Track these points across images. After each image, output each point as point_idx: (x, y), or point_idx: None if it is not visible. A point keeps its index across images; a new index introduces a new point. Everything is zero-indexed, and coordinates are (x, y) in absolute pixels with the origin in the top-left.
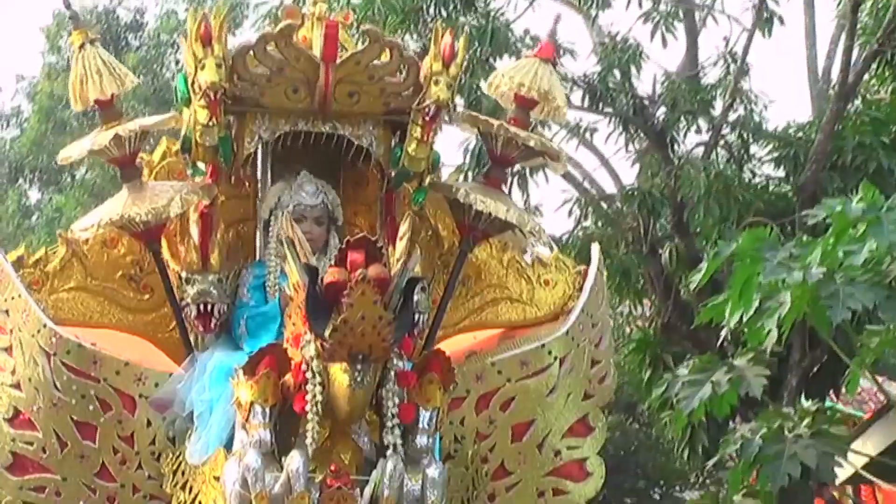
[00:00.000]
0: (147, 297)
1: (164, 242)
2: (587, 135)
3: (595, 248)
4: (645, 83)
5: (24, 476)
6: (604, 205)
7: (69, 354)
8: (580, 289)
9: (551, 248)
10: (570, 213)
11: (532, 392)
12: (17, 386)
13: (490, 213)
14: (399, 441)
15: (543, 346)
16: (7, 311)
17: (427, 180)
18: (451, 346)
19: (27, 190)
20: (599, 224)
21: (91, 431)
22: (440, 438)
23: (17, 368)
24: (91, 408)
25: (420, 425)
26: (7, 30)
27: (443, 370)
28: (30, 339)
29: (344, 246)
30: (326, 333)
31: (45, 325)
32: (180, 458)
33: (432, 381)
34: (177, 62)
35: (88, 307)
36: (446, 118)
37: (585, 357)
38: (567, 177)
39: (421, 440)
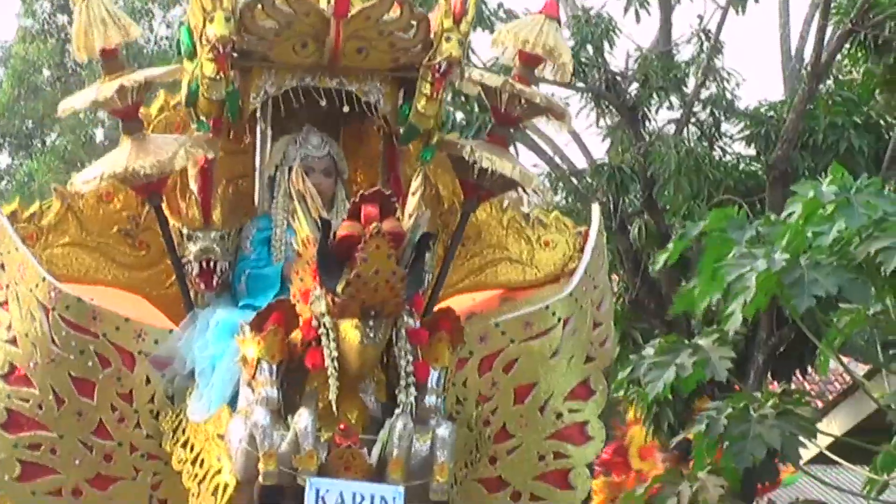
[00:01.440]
0: (143, 253)
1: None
2: None
3: (595, 209)
4: (618, 59)
5: (19, 433)
6: (574, 180)
7: (68, 309)
8: (580, 250)
9: (550, 209)
10: None
11: (535, 354)
12: (12, 341)
13: (494, 172)
14: (413, 400)
15: (547, 307)
16: (2, 265)
17: (435, 138)
18: (451, 306)
19: None
20: (569, 199)
21: (89, 388)
22: (444, 400)
23: (14, 323)
24: (90, 364)
25: (429, 384)
26: None
27: (452, 329)
28: (27, 294)
29: (357, 199)
30: (339, 288)
31: (43, 279)
32: (181, 415)
33: (442, 339)
34: (151, 30)
35: (83, 263)
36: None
37: (588, 319)
38: (537, 151)
39: (430, 399)
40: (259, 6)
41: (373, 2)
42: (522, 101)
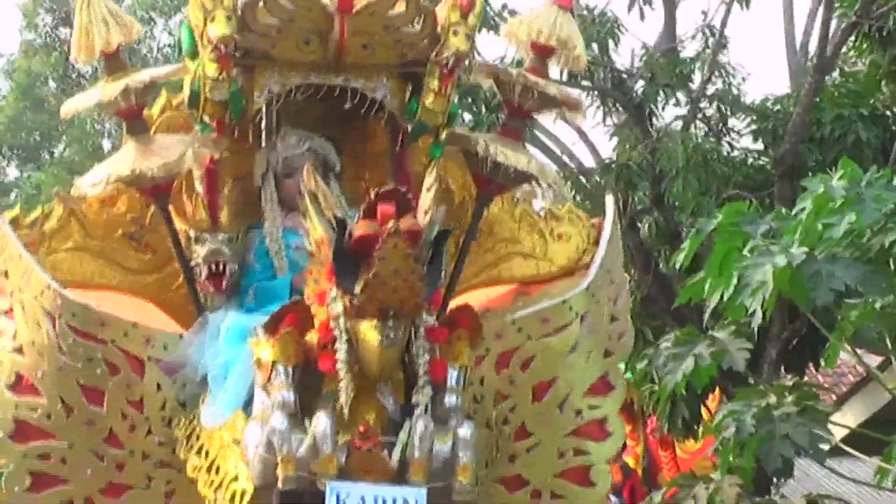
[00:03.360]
0: (148, 256)
1: None
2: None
3: (609, 200)
4: (623, 57)
5: (28, 444)
6: (582, 178)
7: (75, 316)
8: (595, 242)
9: (564, 202)
10: None
11: (553, 350)
12: (18, 350)
13: (508, 166)
14: (428, 401)
15: (565, 302)
16: (6, 273)
17: (444, 134)
18: (469, 303)
19: (5, 167)
20: (578, 198)
21: (98, 396)
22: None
23: (19, 332)
24: (98, 371)
25: (448, 384)
26: None
27: (471, 326)
28: (32, 302)
29: (373, 198)
30: (356, 289)
31: (48, 287)
32: (194, 422)
33: (461, 337)
34: (153, 38)
35: (88, 268)
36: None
37: (605, 313)
38: (545, 150)
39: (449, 399)
40: (261, 3)
41: None
42: (536, 93)
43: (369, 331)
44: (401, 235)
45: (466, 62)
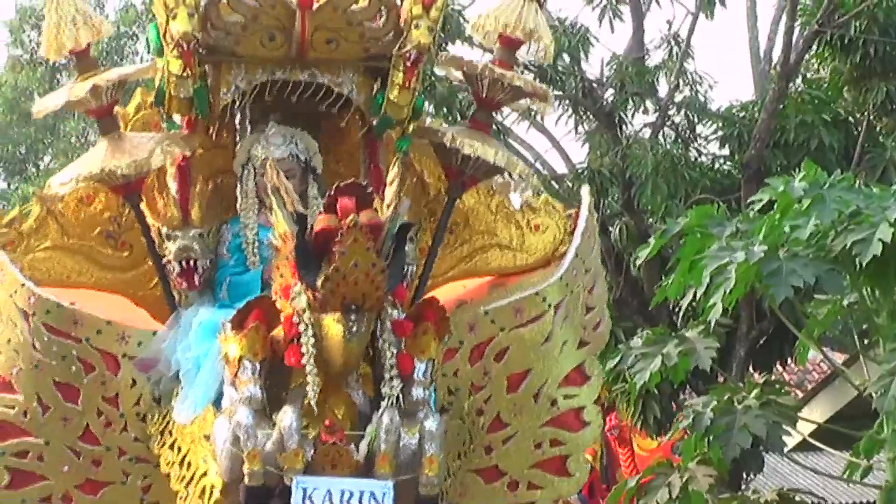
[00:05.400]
0: (126, 254)
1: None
2: (538, 118)
3: (585, 191)
4: (593, 66)
5: (6, 441)
6: (555, 184)
7: (48, 315)
8: (571, 232)
9: (539, 193)
10: None
11: (527, 341)
12: None
13: (478, 158)
14: (398, 393)
15: (538, 293)
16: None
17: (411, 127)
18: (441, 295)
19: None
20: None
21: (74, 393)
22: (435, 391)
23: None
24: (73, 369)
25: (415, 377)
26: None
27: (437, 319)
28: (6, 301)
29: (333, 192)
30: (318, 283)
31: (22, 285)
32: (167, 418)
33: (427, 330)
34: (136, 53)
35: (66, 266)
36: (428, 63)
37: (580, 303)
38: (520, 158)
39: (416, 392)
40: (224, 0)
41: None
42: (505, 84)
43: (333, 325)
44: (360, 229)
45: (429, 55)
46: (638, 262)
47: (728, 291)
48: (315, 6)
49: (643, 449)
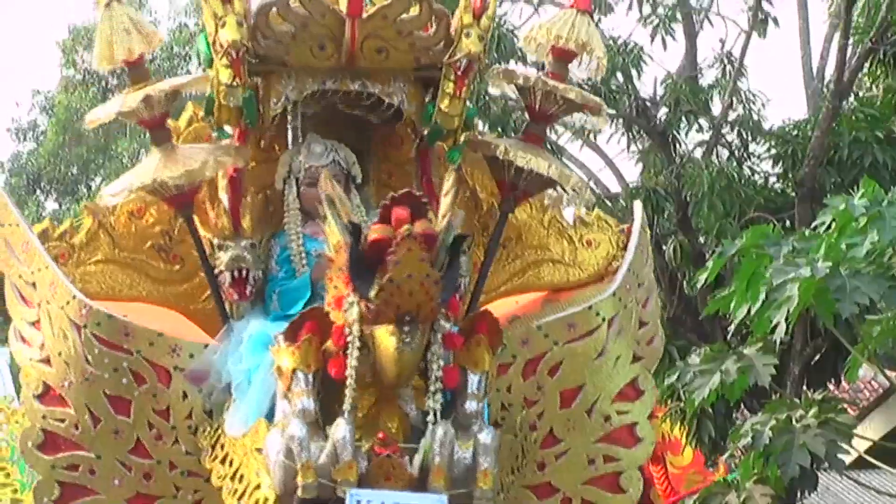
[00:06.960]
0: (177, 267)
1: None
2: (591, 136)
3: (638, 206)
4: (646, 85)
5: (57, 454)
6: (608, 203)
7: (100, 326)
8: (624, 248)
9: (592, 207)
10: None
11: (580, 356)
12: (46, 361)
13: (531, 171)
14: (439, 407)
15: (591, 307)
16: (34, 284)
17: (462, 138)
18: (494, 310)
19: (43, 201)
20: None
21: (125, 406)
22: (488, 405)
23: (46, 342)
24: (124, 381)
25: (469, 390)
26: (24, 46)
27: (490, 332)
28: (58, 312)
29: (387, 202)
30: (371, 294)
31: (74, 297)
32: (219, 431)
33: (480, 343)
34: (189, 73)
35: (117, 280)
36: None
37: (633, 318)
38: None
39: (470, 405)
40: (273, 9)
41: (389, 0)
42: (557, 97)
43: (386, 336)
44: (415, 239)
45: (480, 64)
46: (697, 285)
47: (791, 309)
48: (365, 15)
49: (676, 467)
